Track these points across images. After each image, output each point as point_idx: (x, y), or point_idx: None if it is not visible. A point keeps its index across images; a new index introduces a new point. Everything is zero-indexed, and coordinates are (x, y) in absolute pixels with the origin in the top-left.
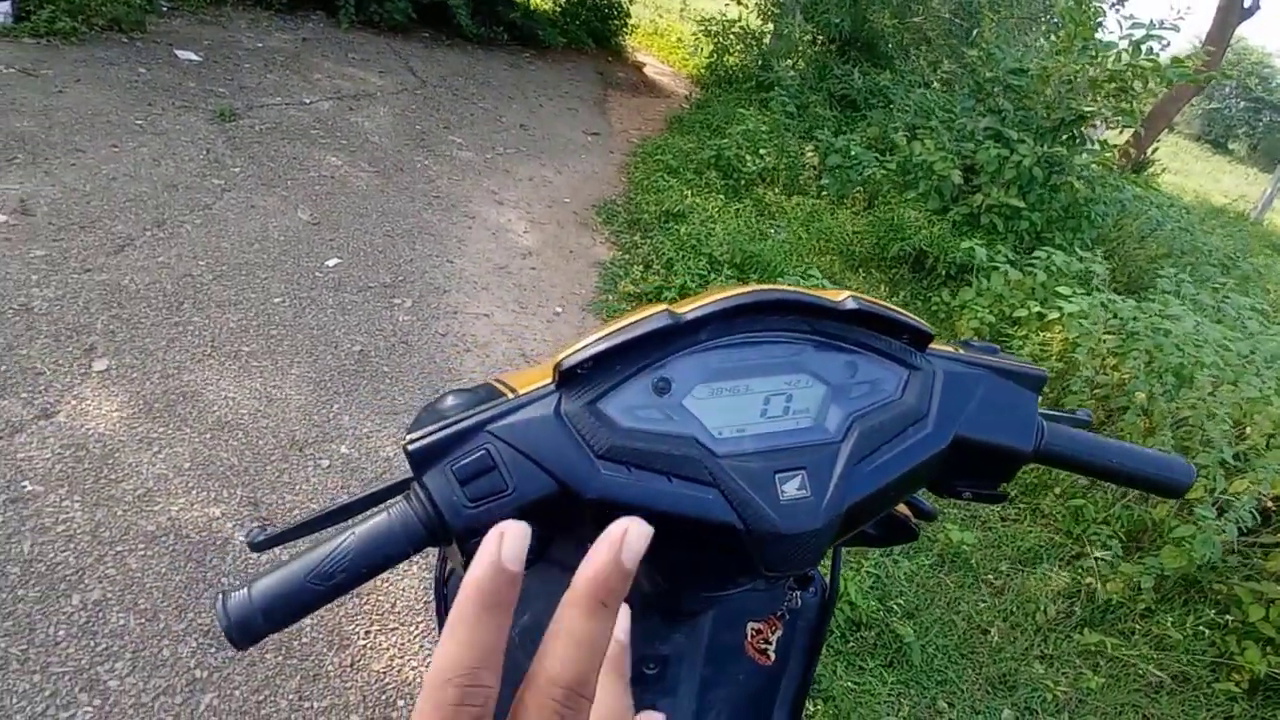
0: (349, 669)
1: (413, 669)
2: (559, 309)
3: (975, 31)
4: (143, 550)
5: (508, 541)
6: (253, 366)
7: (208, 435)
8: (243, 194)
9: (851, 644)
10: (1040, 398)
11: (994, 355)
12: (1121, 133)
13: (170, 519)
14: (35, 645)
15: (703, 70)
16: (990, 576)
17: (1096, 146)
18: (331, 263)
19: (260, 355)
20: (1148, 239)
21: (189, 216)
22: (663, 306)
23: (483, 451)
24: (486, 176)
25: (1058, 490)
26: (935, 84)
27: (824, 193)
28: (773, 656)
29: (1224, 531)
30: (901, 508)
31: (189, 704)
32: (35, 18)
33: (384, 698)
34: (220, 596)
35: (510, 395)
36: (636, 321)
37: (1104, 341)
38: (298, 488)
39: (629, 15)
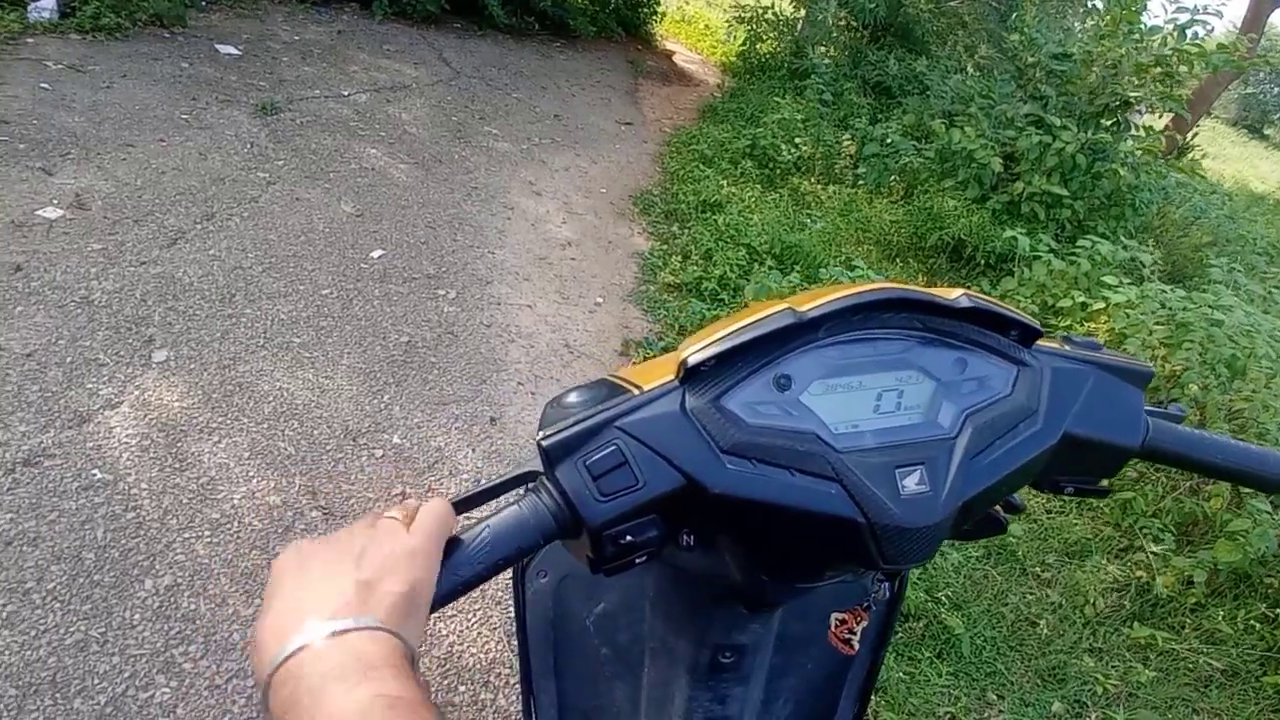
0: None
1: (471, 655)
2: (600, 299)
3: (1015, 15)
4: (209, 537)
5: None
6: (304, 357)
7: (265, 425)
8: (287, 186)
9: (901, 635)
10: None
11: (1097, 351)
12: (1161, 117)
13: (233, 506)
14: (113, 629)
15: (734, 58)
16: (1038, 569)
17: (1141, 133)
18: (376, 254)
19: (311, 346)
20: (1191, 227)
21: (237, 209)
22: (783, 304)
23: (613, 447)
24: (523, 167)
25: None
26: (971, 69)
27: (860, 182)
28: (856, 646)
29: None
30: None
31: None
32: (80, 14)
33: (445, 683)
34: None
35: (632, 391)
36: (759, 320)
37: (1154, 333)
38: (353, 477)
39: (658, 2)
